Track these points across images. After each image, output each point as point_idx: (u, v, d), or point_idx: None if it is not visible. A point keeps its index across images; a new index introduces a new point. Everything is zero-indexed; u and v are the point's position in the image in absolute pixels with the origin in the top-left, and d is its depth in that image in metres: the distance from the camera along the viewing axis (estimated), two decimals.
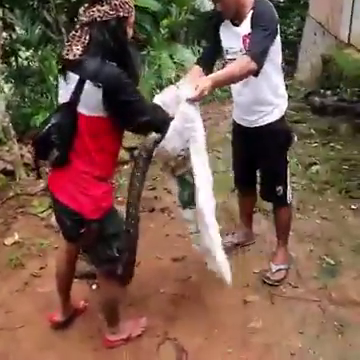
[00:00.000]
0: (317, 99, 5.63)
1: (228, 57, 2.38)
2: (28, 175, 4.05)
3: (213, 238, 2.08)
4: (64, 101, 1.74)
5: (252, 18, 2.17)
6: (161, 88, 6.68)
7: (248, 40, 2.18)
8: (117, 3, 1.68)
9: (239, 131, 2.65)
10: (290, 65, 9.92)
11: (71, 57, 1.67)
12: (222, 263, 2.12)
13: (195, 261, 2.72)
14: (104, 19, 1.66)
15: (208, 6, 8.20)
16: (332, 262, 2.81)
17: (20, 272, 2.86)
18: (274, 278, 2.63)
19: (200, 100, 1.99)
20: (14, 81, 7.33)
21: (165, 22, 7.51)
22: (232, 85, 2.44)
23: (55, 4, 6.03)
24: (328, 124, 5.12)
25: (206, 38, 2.54)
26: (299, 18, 11.11)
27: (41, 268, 2.86)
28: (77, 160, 1.77)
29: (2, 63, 7.67)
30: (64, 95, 1.75)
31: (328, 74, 6.30)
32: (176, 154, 2.05)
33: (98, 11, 1.66)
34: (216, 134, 4.94)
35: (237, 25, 2.27)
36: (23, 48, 7.30)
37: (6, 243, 3.15)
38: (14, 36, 7.01)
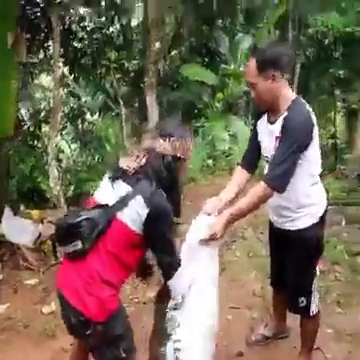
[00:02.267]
0: None
1: (263, 153, 2.33)
2: None
3: None
4: (106, 203, 1.84)
5: (282, 125, 2.08)
6: (214, 159, 6.87)
7: (279, 141, 2.11)
8: (178, 144, 1.87)
9: (271, 228, 2.57)
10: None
11: (125, 168, 1.86)
12: None
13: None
14: (162, 153, 1.86)
15: None
16: None
17: (51, 343, 2.94)
18: None
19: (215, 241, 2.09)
20: (79, 143, 7.90)
21: (220, 95, 7.81)
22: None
23: (115, 78, 6.57)
24: None
25: (250, 136, 2.50)
26: None
27: (71, 344, 2.91)
28: (94, 257, 1.80)
29: (71, 125, 8.37)
30: (107, 197, 1.86)
31: None
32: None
33: (159, 144, 1.86)
34: (260, 217, 4.88)
35: (272, 123, 2.19)
36: (88, 113, 7.94)
37: (44, 311, 3.27)
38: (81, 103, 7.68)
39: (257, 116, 2.37)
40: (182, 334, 2.02)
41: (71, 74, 7.81)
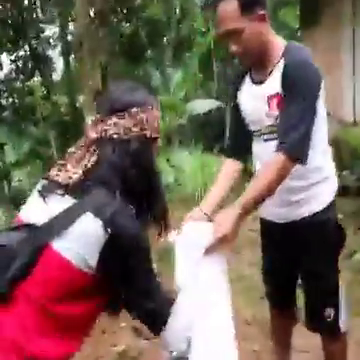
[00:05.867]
0: None
1: (252, 129, 1.79)
2: None
3: None
4: (32, 222, 1.07)
5: (283, 77, 1.57)
6: None
7: (276, 100, 1.62)
8: (144, 117, 1.15)
9: (270, 231, 1.93)
10: None
11: (61, 180, 1.08)
12: None
13: None
14: (124, 138, 1.13)
15: (200, 109, 8.35)
16: None
17: None
18: None
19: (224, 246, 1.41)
20: (7, 206, 7.08)
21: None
22: (256, 167, 1.83)
23: (43, 117, 5.89)
24: (355, 206, 4.56)
25: (230, 115, 2.04)
26: None
27: None
28: (7, 316, 1.02)
29: None
30: (34, 214, 1.09)
31: (340, 156, 5.94)
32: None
33: (115, 125, 1.13)
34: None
35: (261, 82, 1.69)
36: (15, 171, 7.21)
37: None
38: (5, 158, 6.97)
39: (235, 86, 1.85)
40: None
41: None
